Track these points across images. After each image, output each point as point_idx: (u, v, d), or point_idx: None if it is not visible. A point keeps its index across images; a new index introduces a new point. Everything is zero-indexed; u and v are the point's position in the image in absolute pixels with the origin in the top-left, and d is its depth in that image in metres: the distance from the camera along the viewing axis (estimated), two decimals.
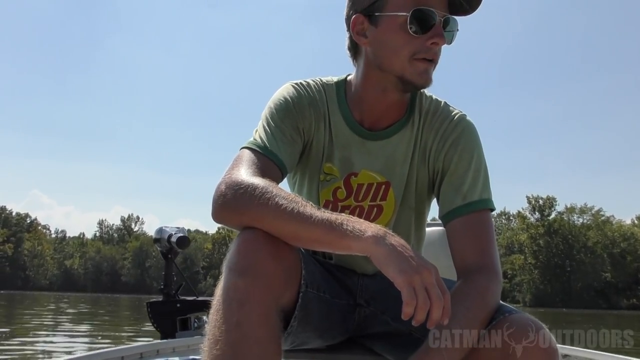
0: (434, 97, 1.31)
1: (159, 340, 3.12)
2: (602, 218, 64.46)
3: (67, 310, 19.98)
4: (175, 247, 3.88)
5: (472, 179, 1.21)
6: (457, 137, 1.24)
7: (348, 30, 1.23)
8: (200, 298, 3.96)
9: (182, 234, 3.90)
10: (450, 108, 1.29)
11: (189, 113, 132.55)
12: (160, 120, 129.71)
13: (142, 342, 2.83)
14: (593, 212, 65.41)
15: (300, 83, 1.29)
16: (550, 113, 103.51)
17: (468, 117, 1.28)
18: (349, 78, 1.31)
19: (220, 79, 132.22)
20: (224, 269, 0.99)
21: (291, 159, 1.20)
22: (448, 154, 1.24)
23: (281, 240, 1.01)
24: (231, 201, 1.02)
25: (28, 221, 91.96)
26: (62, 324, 12.50)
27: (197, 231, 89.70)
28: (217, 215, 1.05)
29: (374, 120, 1.27)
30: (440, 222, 1.27)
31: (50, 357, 6.38)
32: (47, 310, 20.07)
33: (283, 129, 1.20)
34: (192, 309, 3.75)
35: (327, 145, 1.28)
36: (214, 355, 0.92)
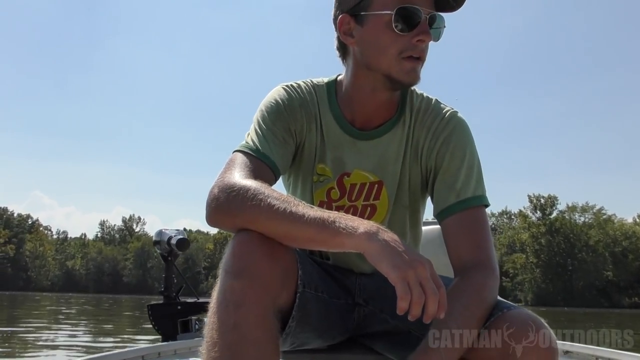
0: (425, 94, 1.31)
1: (161, 343, 3.13)
2: (604, 217, 64.35)
3: (69, 311, 19.99)
4: (175, 249, 3.88)
5: (465, 176, 1.21)
6: (449, 134, 1.24)
7: (336, 30, 1.23)
8: (201, 300, 3.97)
9: (181, 236, 3.90)
10: (442, 105, 1.29)
11: (190, 113, 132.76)
12: (161, 120, 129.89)
13: (144, 344, 2.83)
14: (595, 210, 65.33)
15: (291, 85, 1.29)
16: (551, 112, 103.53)
17: (460, 114, 1.28)
18: (339, 78, 1.31)
19: (221, 79, 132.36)
20: (220, 271, 0.99)
21: (283, 160, 1.21)
22: (440, 151, 1.24)
23: (276, 241, 1.01)
24: (224, 204, 1.03)
25: (29, 222, 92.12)
26: (64, 325, 12.50)
27: (198, 231, 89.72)
28: (211, 219, 1.06)
29: (365, 120, 1.27)
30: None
31: None
32: (48, 311, 20.08)
33: (275, 131, 1.20)
34: (192, 310, 3.75)
35: (319, 146, 1.29)
36: (212, 358, 0.92)
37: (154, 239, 4.09)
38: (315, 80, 1.32)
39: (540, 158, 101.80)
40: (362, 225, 0.95)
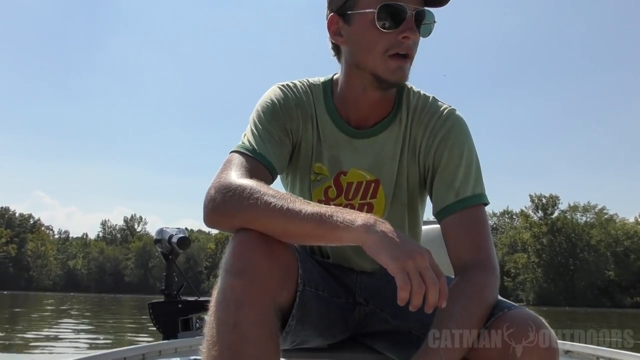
0: (422, 92, 1.30)
1: (161, 341, 3.12)
2: (606, 216, 64.25)
3: (70, 311, 20.01)
4: (176, 247, 3.87)
5: (463, 175, 1.20)
6: (447, 132, 1.23)
7: (327, 30, 1.24)
8: (202, 298, 3.96)
9: (182, 235, 3.89)
10: (439, 103, 1.28)
11: (192, 113, 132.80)
12: (163, 120, 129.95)
13: (144, 343, 2.83)
14: (596, 210, 65.26)
15: (287, 84, 1.29)
16: (553, 111, 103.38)
17: (457, 112, 1.27)
18: (335, 77, 1.31)
19: (222, 79, 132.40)
20: (221, 271, 0.99)
21: (280, 160, 1.21)
22: (438, 150, 1.23)
23: (276, 240, 1.01)
24: (221, 205, 1.03)
25: (31, 222, 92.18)
26: (65, 324, 12.51)
27: (199, 231, 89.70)
28: (208, 220, 1.06)
29: (360, 119, 1.27)
30: None
31: (53, 358, 6.39)
32: (50, 310, 20.11)
33: (271, 131, 1.20)
34: (193, 309, 3.74)
35: (316, 145, 1.29)
36: (213, 357, 0.92)
37: (154, 237, 4.08)
38: (311, 80, 1.32)
39: (542, 158, 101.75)
40: (359, 217, 0.95)
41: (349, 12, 1.17)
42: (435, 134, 1.24)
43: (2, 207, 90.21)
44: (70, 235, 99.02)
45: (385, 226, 0.94)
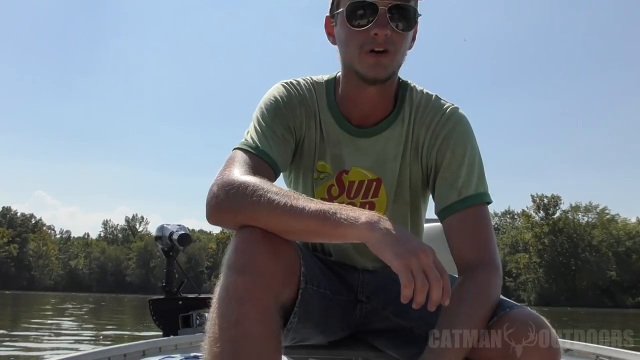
0: (425, 90, 1.30)
1: (161, 338, 3.12)
2: (607, 216, 64.10)
3: (72, 310, 20.04)
4: (177, 244, 3.88)
5: (466, 174, 1.20)
6: (449, 131, 1.23)
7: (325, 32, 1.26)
8: (202, 295, 3.97)
9: (183, 232, 3.89)
10: (442, 101, 1.28)
11: (193, 113, 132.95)
12: (165, 120, 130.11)
13: (145, 339, 2.83)
14: (598, 210, 65.10)
15: (291, 82, 1.29)
16: (555, 111, 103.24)
17: (460, 110, 1.27)
18: (338, 75, 1.31)
19: (224, 78, 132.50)
20: (223, 267, 0.99)
21: (283, 158, 1.21)
22: (441, 148, 1.23)
23: (279, 237, 1.01)
24: (224, 202, 1.03)
25: (33, 222, 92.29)
26: (67, 323, 12.53)
27: (201, 231, 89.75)
28: (211, 217, 1.05)
29: (362, 117, 1.27)
30: None
31: (54, 356, 6.40)
32: (51, 310, 20.13)
33: (274, 128, 1.20)
34: (194, 306, 3.74)
35: (319, 143, 1.29)
36: (214, 353, 0.92)
37: (155, 234, 4.09)
38: (315, 78, 1.32)
39: (544, 158, 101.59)
40: (363, 215, 0.95)
41: (336, 12, 1.19)
42: (438, 132, 1.24)
43: (3, 207, 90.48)
44: (72, 235, 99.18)
45: (388, 224, 0.94)
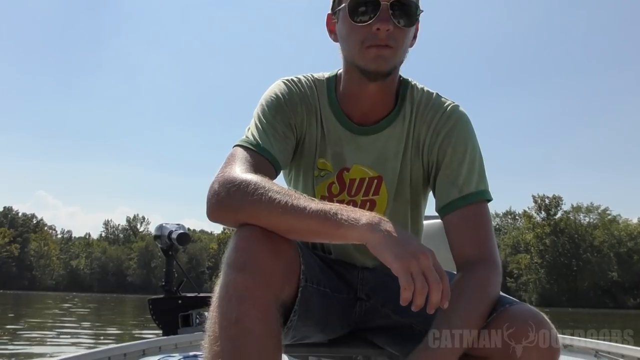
0: (425, 88, 1.30)
1: (161, 337, 3.12)
2: (609, 217, 64.07)
3: (73, 310, 20.05)
4: (176, 243, 3.88)
5: (467, 171, 1.20)
6: (451, 128, 1.23)
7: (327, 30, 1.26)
8: (202, 294, 3.97)
9: (182, 231, 3.90)
10: (443, 99, 1.28)
11: (194, 113, 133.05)
12: (166, 120, 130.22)
13: (145, 339, 2.83)
14: (599, 211, 65.05)
15: (292, 79, 1.29)
16: (556, 111, 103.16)
17: (461, 108, 1.27)
18: (339, 73, 1.31)
19: (226, 78, 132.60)
20: (223, 265, 0.99)
21: (284, 155, 1.21)
22: (442, 146, 1.23)
23: (279, 236, 1.01)
24: (225, 199, 1.02)
25: (34, 222, 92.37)
26: (67, 323, 12.53)
27: (202, 231, 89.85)
28: (212, 214, 1.05)
29: (363, 114, 1.27)
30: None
31: (55, 355, 6.40)
32: (52, 310, 20.15)
33: (275, 125, 1.20)
34: (193, 305, 3.74)
35: (320, 140, 1.29)
36: (215, 352, 0.92)
37: (154, 233, 4.09)
38: (316, 75, 1.32)
39: (545, 158, 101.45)
40: (364, 216, 0.95)
41: (337, 9, 1.20)
42: (439, 130, 1.24)
43: (5, 207, 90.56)
44: (73, 235, 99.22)
45: (389, 225, 0.94)
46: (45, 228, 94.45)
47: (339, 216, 0.95)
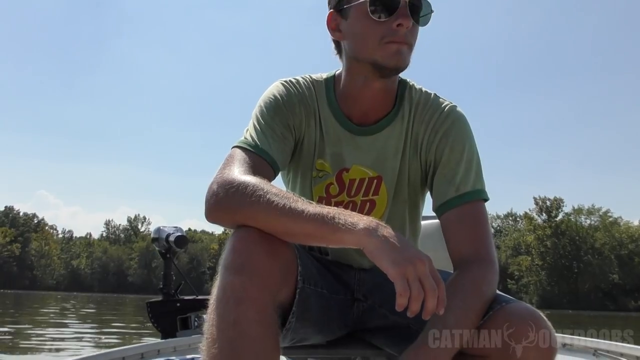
0: (423, 89, 1.31)
1: (160, 340, 3.12)
2: (610, 219, 63.96)
3: (73, 310, 20.07)
4: (174, 246, 3.89)
5: (464, 170, 1.20)
6: (448, 128, 1.24)
7: (327, 27, 1.25)
8: (200, 297, 3.97)
9: (180, 234, 3.90)
10: (441, 99, 1.29)
11: (196, 113, 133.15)
12: (167, 120, 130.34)
13: (143, 342, 2.82)
14: (601, 213, 64.94)
15: (290, 80, 1.29)
16: (557, 113, 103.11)
17: (459, 108, 1.28)
18: (337, 74, 1.31)
19: (227, 78, 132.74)
20: (220, 267, 0.99)
21: (283, 156, 1.21)
22: (439, 145, 1.24)
23: (276, 237, 1.01)
24: (223, 200, 1.02)
25: (35, 221, 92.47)
26: (68, 323, 12.54)
27: (203, 232, 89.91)
28: (210, 215, 1.05)
29: (362, 115, 1.27)
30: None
31: (54, 358, 6.40)
32: (53, 310, 20.16)
33: (273, 126, 1.20)
34: (192, 307, 3.74)
35: (319, 141, 1.29)
36: (212, 354, 0.92)
37: (152, 236, 4.10)
38: (314, 76, 1.32)
39: (546, 160, 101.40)
40: (361, 221, 0.95)
41: (345, 7, 1.19)
42: (436, 130, 1.25)
43: (6, 206, 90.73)
44: (74, 235, 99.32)
45: (387, 230, 0.94)
46: (46, 228, 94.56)
47: (336, 220, 0.95)
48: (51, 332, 9.80)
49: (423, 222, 1.45)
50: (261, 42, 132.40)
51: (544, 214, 66.49)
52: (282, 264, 1.02)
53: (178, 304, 3.78)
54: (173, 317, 3.70)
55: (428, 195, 1.32)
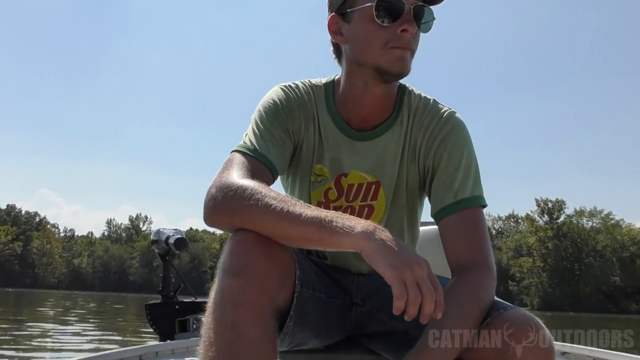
0: (422, 94, 1.31)
1: (158, 342, 3.11)
2: (612, 221, 63.85)
3: (74, 309, 20.09)
4: (173, 248, 3.89)
5: (462, 176, 1.20)
6: (447, 134, 1.24)
7: (328, 31, 1.24)
8: (199, 299, 3.96)
9: (179, 236, 3.90)
10: (440, 105, 1.29)
11: (197, 113, 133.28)
12: (169, 120, 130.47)
13: (141, 344, 2.81)
14: (602, 215, 64.81)
15: (289, 85, 1.29)
16: (559, 115, 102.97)
17: (457, 114, 1.28)
18: (336, 78, 1.31)
19: (229, 78, 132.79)
20: (218, 271, 0.99)
21: (281, 161, 1.20)
22: (438, 151, 1.23)
23: (274, 241, 1.01)
24: (221, 204, 1.02)
25: (37, 220, 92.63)
26: (69, 322, 12.55)
27: (204, 231, 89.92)
28: (208, 218, 1.05)
29: (362, 120, 1.27)
30: None
31: (54, 358, 6.40)
32: (54, 308, 20.18)
33: (272, 131, 1.20)
34: (190, 310, 3.74)
35: (317, 146, 1.29)
36: (210, 357, 0.92)
37: (151, 238, 4.10)
38: (313, 81, 1.32)
39: (548, 161, 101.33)
40: (359, 224, 0.95)
41: (348, 10, 1.18)
42: (435, 135, 1.24)
43: (8, 205, 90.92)
44: (76, 234, 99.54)
45: (384, 234, 0.94)
46: (48, 226, 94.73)
47: (334, 224, 0.95)
48: (51, 331, 9.81)
49: (421, 228, 1.44)
50: (264, 42, 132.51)
51: (546, 216, 66.39)
52: (280, 267, 1.02)
53: (177, 307, 3.77)
54: (172, 320, 3.69)
55: (426, 201, 1.32)
